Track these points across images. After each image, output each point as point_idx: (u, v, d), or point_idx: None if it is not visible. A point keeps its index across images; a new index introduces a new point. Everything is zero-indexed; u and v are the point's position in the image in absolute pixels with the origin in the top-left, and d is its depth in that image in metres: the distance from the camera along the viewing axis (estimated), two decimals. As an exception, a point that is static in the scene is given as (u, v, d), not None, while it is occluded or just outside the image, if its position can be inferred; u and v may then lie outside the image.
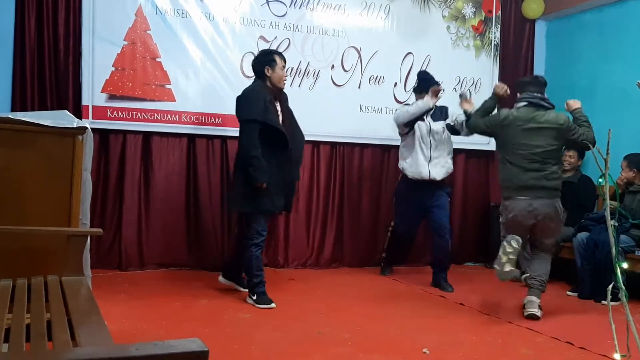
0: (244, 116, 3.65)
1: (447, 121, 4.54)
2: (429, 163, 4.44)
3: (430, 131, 4.47)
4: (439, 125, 4.50)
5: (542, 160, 3.65)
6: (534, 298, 3.64)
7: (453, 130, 4.55)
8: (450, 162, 4.57)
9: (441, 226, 4.45)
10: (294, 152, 3.78)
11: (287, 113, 3.83)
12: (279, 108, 3.76)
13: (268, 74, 3.73)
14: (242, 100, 3.69)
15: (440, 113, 4.56)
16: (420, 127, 4.47)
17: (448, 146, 4.55)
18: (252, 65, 3.84)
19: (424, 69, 5.29)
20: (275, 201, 3.70)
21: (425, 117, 4.47)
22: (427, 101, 4.34)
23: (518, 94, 3.88)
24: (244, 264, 3.80)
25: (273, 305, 3.63)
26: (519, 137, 3.67)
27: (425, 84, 4.47)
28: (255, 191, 3.60)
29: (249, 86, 3.77)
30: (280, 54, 3.87)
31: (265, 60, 3.77)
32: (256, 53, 4.74)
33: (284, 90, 3.90)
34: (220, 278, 4.07)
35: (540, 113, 3.71)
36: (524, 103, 3.77)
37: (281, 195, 3.74)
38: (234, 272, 4.04)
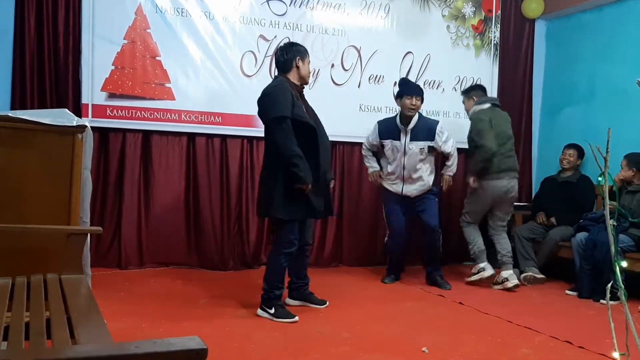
0: (273, 114, 3.27)
1: (431, 144, 4.28)
2: (403, 182, 4.33)
3: (405, 152, 4.28)
4: (416, 147, 4.26)
5: (514, 148, 4.58)
6: (511, 272, 4.40)
7: (436, 152, 4.40)
8: (428, 180, 4.34)
9: (430, 228, 4.37)
10: (323, 152, 3.48)
11: (312, 112, 3.54)
12: (303, 107, 3.48)
13: (298, 65, 3.45)
14: (268, 98, 3.35)
15: (423, 131, 4.27)
16: (395, 146, 4.31)
17: (428, 166, 4.35)
18: (279, 57, 3.49)
19: (423, 68, 5.31)
20: (317, 205, 3.42)
21: (401, 136, 4.28)
22: (370, 172, 4.53)
23: (475, 97, 4.61)
24: (268, 271, 3.47)
25: (296, 318, 3.36)
26: (500, 130, 4.43)
27: (403, 88, 4.35)
28: (297, 195, 3.31)
29: (271, 83, 3.46)
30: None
31: (297, 50, 3.47)
32: (256, 52, 4.79)
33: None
34: (288, 299, 3.72)
35: (502, 112, 4.59)
36: (489, 105, 4.54)
37: (321, 198, 3.45)
38: (301, 289, 3.74)
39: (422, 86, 4.72)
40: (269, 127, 3.34)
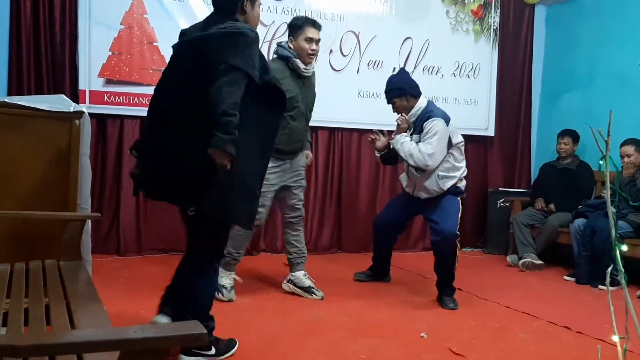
0: (244, 63, 2.09)
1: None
2: (414, 186, 3.67)
3: None
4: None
5: None
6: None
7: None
8: (439, 181, 3.53)
9: (441, 233, 3.47)
10: None
11: None
12: None
13: (247, 10, 2.32)
14: (241, 40, 2.13)
15: (419, 123, 3.56)
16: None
17: (442, 164, 3.53)
18: None
19: (423, 54, 5.27)
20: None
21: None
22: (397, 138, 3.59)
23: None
24: (198, 297, 2.42)
25: (236, 347, 2.55)
26: None
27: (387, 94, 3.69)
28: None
29: (237, 23, 2.23)
30: None
31: None
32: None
33: None
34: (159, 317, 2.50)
35: None
36: None
37: None
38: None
39: (421, 72, 4.54)
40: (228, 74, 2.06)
